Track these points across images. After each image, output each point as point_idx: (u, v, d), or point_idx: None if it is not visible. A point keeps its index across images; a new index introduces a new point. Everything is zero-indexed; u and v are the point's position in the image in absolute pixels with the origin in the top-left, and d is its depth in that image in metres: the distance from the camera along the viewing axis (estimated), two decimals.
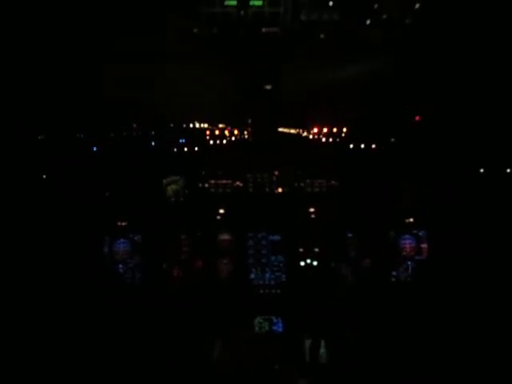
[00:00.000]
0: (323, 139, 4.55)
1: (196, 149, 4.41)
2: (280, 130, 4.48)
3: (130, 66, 3.58)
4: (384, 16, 2.44)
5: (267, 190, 3.69)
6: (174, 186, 3.64)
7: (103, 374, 3.01)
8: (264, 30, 2.59)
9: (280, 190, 3.70)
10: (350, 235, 3.49)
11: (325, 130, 4.58)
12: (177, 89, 3.88)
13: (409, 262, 3.49)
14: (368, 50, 3.29)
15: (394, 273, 3.48)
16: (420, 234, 3.51)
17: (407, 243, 3.50)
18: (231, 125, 4.69)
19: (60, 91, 3.60)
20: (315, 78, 3.71)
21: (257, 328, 3.34)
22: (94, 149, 3.98)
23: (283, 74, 3.45)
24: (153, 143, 4.32)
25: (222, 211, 3.57)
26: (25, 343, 2.92)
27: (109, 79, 3.71)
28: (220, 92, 3.99)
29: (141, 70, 3.65)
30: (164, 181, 3.63)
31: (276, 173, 3.70)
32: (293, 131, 4.93)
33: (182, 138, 4.49)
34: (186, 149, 4.38)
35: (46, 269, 3.21)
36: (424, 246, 3.49)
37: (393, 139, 4.14)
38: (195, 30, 2.61)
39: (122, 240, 3.46)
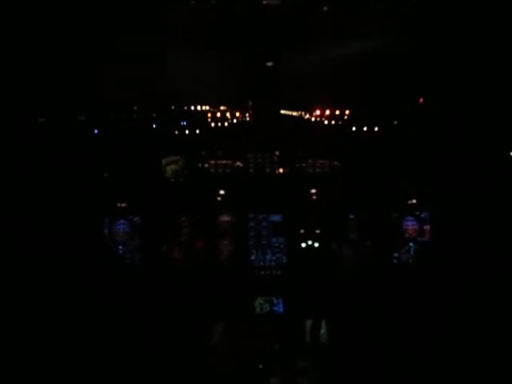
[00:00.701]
0: (325, 121, 4.48)
1: (197, 131, 4.36)
2: (282, 112, 4.42)
3: (130, 49, 3.51)
4: None
5: (268, 170, 3.64)
6: (173, 167, 3.59)
7: (101, 356, 3.02)
8: (265, 1, 2.49)
9: (281, 170, 3.65)
10: (351, 217, 3.45)
11: (327, 112, 4.51)
12: (177, 71, 3.81)
13: (411, 244, 3.45)
14: (372, 25, 3.19)
15: (396, 254, 3.45)
16: (423, 215, 3.46)
17: (410, 225, 3.46)
18: (232, 107, 4.62)
19: (61, 74, 3.54)
20: (317, 56, 3.62)
21: (258, 309, 3.34)
22: (95, 131, 3.93)
23: (284, 51, 3.35)
24: (154, 125, 4.27)
25: (222, 192, 3.52)
26: (24, 321, 2.92)
27: (109, 63, 3.65)
28: (221, 73, 3.91)
29: (141, 53, 3.58)
30: (163, 161, 3.58)
31: (277, 153, 3.64)
32: (295, 113, 4.86)
33: (183, 121, 4.44)
34: (187, 131, 4.33)
35: (45, 251, 3.19)
36: (427, 227, 3.45)
37: (395, 121, 4.07)
38: (193, 2, 2.51)
39: (121, 221, 3.43)
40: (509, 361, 2.73)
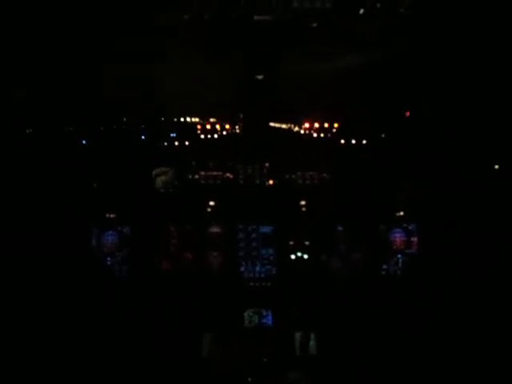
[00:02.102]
0: (314, 134, 4.53)
1: (187, 143, 4.37)
2: (272, 124, 4.46)
3: (119, 60, 3.53)
4: (378, 5, 2.41)
5: (258, 181, 3.66)
6: (163, 177, 3.59)
7: (91, 367, 2.97)
8: (256, 18, 2.55)
9: (271, 182, 3.67)
10: (340, 228, 3.48)
11: (316, 125, 4.56)
12: (167, 82, 3.84)
13: (399, 256, 3.48)
14: (361, 41, 3.27)
15: (385, 266, 3.48)
16: (410, 227, 3.51)
17: (397, 237, 3.50)
18: (222, 119, 4.65)
19: (50, 85, 3.54)
20: (307, 69, 3.69)
21: (246, 321, 3.32)
22: (83, 142, 3.91)
23: (275, 65, 3.41)
24: (143, 137, 4.26)
25: (212, 203, 3.53)
26: (11, 333, 2.86)
27: (99, 74, 3.66)
28: (211, 85, 3.95)
29: (131, 64, 3.60)
30: (153, 172, 3.57)
31: (267, 165, 3.67)
32: (284, 126, 4.90)
33: (172, 132, 4.44)
34: (176, 143, 4.33)
35: (33, 261, 3.14)
36: (414, 239, 3.50)
37: (383, 135, 4.13)
38: (186, 17, 2.55)
39: (110, 232, 3.40)
40: (500, 367, 2.75)
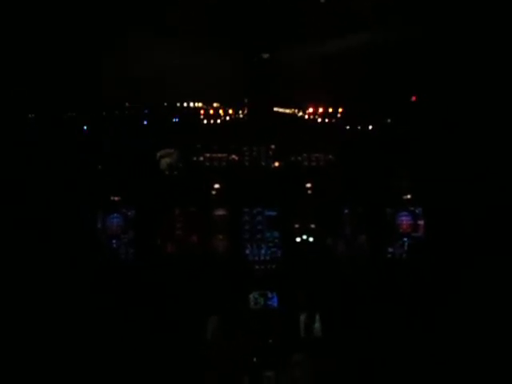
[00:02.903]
0: (319, 119, 4.48)
1: (191, 127, 4.34)
2: (276, 109, 4.42)
3: (122, 44, 3.48)
4: None
5: (263, 163, 3.63)
6: (167, 160, 3.56)
7: (95, 347, 3.00)
8: None
9: (276, 164, 3.64)
10: (346, 211, 3.46)
11: (320, 110, 4.51)
12: (171, 67, 3.80)
13: (405, 239, 3.46)
14: (367, 20, 3.20)
15: (390, 249, 3.46)
16: (417, 210, 3.48)
17: (404, 220, 3.47)
18: (227, 104, 4.61)
19: (51, 70, 3.50)
20: (312, 50, 3.63)
21: (252, 303, 3.33)
22: (85, 128, 3.90)
23: (280, 43, 3.35)
24: (145, 122, 4.24)
25: (217, 186, 3.51)
26: (16, 315, 2.89)
27: (102, 61, 3.62)
28: (215, 70, 3.90)
29: (134, 47, 3.55)
30: (158, 154, 3.55)
31: (272, 146, 3.63)
32: (288, 111, 4.85)
33: (175, 117, 4.41)
34: (180, 126, 4.31)
35: (38, 245, 3.15)
36: (421, 222, 3.47)
37: (389, 119, 4.08)
38: None
39: (115, 215, 3.39)
40: (503, 352, 2.75)
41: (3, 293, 2.92)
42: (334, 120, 4.36)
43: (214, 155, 3.62)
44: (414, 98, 3.99)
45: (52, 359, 2.88)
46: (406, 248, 3.46)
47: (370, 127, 4.06)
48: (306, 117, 4.64)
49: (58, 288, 3.13)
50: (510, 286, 2.96)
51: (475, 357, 2.83)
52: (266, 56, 3.33)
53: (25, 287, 3.01)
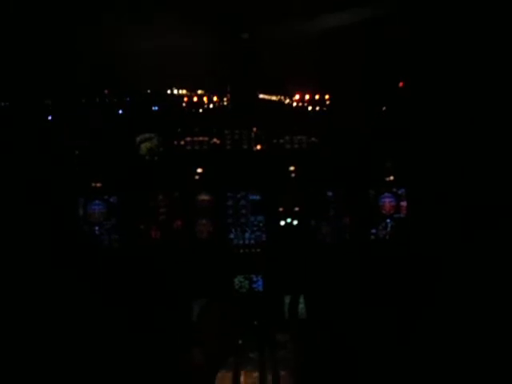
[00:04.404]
0: (305, 105, 4.44)
1: (172, 112, 4.27)
2: (261, 96, 4.36)
3: (100, 30, 3.39)
4: None
5: (245, 147, 3.59)
6: (148, 144, 3.50)
7: (81, 334, 3.00)
8: None
9: (258, 147, 3.61)
10: (329, 194, 3.46)
11: (307, 96, 4.47)
12: (149, 54, 3.72)
13: (388, 220, 3.50)
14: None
15: (374, 231, 3.49)
16: (399, 192, 3.50)
17: (387, 201, 3.50)
18: (210, 91, 4.53)
19: (29, 57, 3.40)
20: (294, 33, 3.57)
21: (237, 286, 3.35)
22: (65, 113, 3.81)
23: (260, 23, 3.29)
24: (121, 111, 4.13)
25: (199, 170, 3.47)
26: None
27: (81, 46, 3.52)
28: (197, 54, 3.83)
29: (114, 35, 3.46)
30: (137, 138, 3.48)
31: (254, 129, 3.59)
32: (274, 98, 4.80)
33: (156, 105, 4.32)
34: (161, 112, 4.23)
35: (19, 233, 3.10)
36: (403, 203, 3.50)
37: (372, 101, 4.05)
38: None
39: (96, 201, 3.35)
40: (491, 336, 2.80)
41: None
42: (319, 107, 4.33)
43: (196, 139, 3.56)
44: (401, 84, 3.97)
45: (38, 348, 2.87)
46: (389, 229, 3.50)
47: (354, 111, 4.04)
48: (291, 103, 4.60)
49: (41, 277, 3.10)
50: (493, 265, 3.01)
51: (459, 334, 2.89)
52: (245, 36, 3.26)
53: (5, 278, 2.97)
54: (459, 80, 3.33)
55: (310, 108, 4.37)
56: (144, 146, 3.49)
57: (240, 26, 3.30)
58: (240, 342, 2.86)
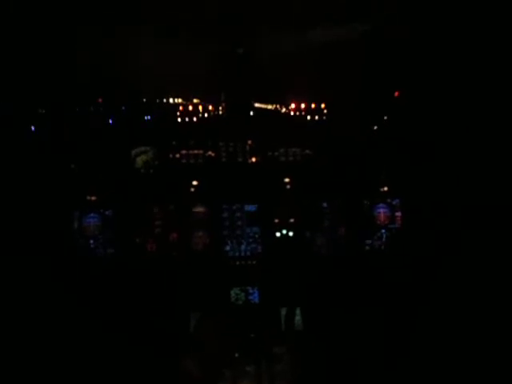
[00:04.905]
0: (298, 113, 4.47)
1: (167, 123, 4.28)
2: (256, 105, 4.39)
3: (95, 41, 3.41)
4: None
5: (240, 159, 3.61)
6: (143, 157, 3.51)
7: (74, 349, 2.97)
8: None
9: (253, 159, 3.63)
10: (324, 205, 3.48)
11: (302, 105, 4.50)
12: (145, 63, 3.74)
13: (383, 231, 3.51)
14: (350, 10, 3.19)
15: (369, 241, 3.51)
16: (394, 202, 3.53)
17: (381, 212, 3.52)
18: (205, 100, 4.55)
19: (21, 65, 3.40)
20: (291, 44, 3.60)
21: (233, 299, 3.34)
22: (59, 123, 3.79)
23: (256, 37, 3.32)
24: (115, 121, 4.12)
25: (194, 183, 3.48)
26: None
27: (73, 55, 3.54)
28: (193, 64, 3.85)
29: (110, 43, 3.48)
30: (133, 152, 3.49)
31: (249, 142, 3.62)
32: (270, 107, 4.83)
33: (152, 114, 4.32)
34: (156, 123, 4.24)
35: (12, 247, 3.08)
36: (398, 214, 3.52)
37: (367, 112, 4.09)
38: None
39: (91, 214, 3.34)
40: (486, 340, 2.81)
41: None
42: (315, 116, 4.35)
43: (191, 152, 3.58)
44: (396, 94, 4.01)
45: (32, 359, 2.84)
46: (384, 240, 3.51)
47: (349, 122, 4.07)
48: (287, 112, 4.63)
49: (36, 290, 3.08)
50: (489, 275, 3.02)
51: (454, 345, 2.90)
52: (240, 51, 3.29)
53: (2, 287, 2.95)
54: (455, 91, 3.36)
55: (305, 118, 4.40)
56: (139, 159, 3.50)
57: (237, 38, 3.33)
58: (236, 355, 2.85)
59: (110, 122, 3.87)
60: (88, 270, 3.32)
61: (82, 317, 3.12)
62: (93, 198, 3.35)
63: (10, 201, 3.16)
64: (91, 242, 3.33)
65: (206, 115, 4.49)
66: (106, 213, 3.35)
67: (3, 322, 2.87)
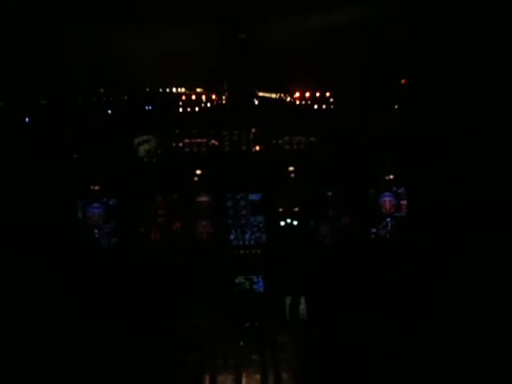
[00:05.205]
0: (305, 103, 4.41)
1: (170, 112, 4.25)
2: (260, 94, 4.34)
3: (95, 29, 3.37)
4: None
5: (244, 148, 3.58)
6: (146, 146, 3.48)
7: (78, 341, 2.99)
8: None
9: (257, 147, 3.60)
10: (329, 193, 3.45)
11: (307, 94, 4.44)
12: (146, 53, 3.70)
13: (388, 219, 3.48)
14: None
15: (374, 230, 3.48)
16: (399, 191, 3.49)
17: (387, 200, 3.49)
18: (208, 89, 4.51)
19: (22, 56, 3.37)
20: (294, 30, 3.54)
21: (237, 288, 3.34)
22: (62, 114, 3.77)
23: (258, 23, 3.26)
24: (118, 111, 4.08)
25: (198, 172, 3.46)
26: None
27: (75, 46, 3.50)
28: (195, 54, 3.81)
29: (110, 32, 3.44)
30: (135, 141, 3.47)
31: (253, 130, 3.58)
32: (274, 95, 4.77)
33: (152, 104, 4.28)
34: (159, 112, 4.21)
35: (18, 237, 3.10)
36: (403, 202, 3.49)
37: (372, 99, 4.03)
38: None
39: (95, 204, 3.34)
40: (487, 330, 2.80)
41: None
42: (319, 105, 4.30)
43: (194, 140, 3.55)
44: (403, 81, 3.95)
45: (35, 352, 2.87)
46: (389, 228, 3.48)
47: (354, 109, 4.02)
48: (291, 101, 4.58)
49: (40, 280, 3.09)
50: (493, 264, 3.00)
51: (459, 334, 2.89)
52: (242, 36, 3.23)
53: (4, 281, 2.96)
54: (460, 79, 3.30)
55: (309, 106, 4.35)
56: (142, 148, 3.48)
57: (239, 23, 3.28)
58: (241, 343, 2.86)
59: (109, 112, 3.84)
60: (92, 260, 3.33)
61: (85, 306, 3.14)
62: (96, 188, 3.34)
63: (14, 191, 3.17)
64: (95, 231, 3.33)
65: (208, 104, 4.44)
66: (110, 202, 3.34)
67: (8, 310, 2.90)
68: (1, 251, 3.02)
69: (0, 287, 2.95)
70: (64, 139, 3.49)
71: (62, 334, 3.00)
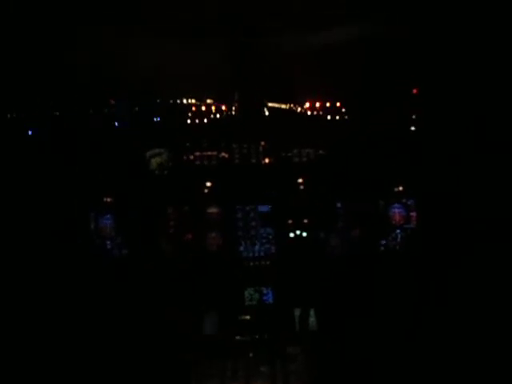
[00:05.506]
0: (315, 114, 4.45)
1: (180, 124, 4.31)
2: (270, 104, 4.39)
3: (106, 40, 3.44)
4: None
5: (254, 160, 3.62)
6: (158, 159, 3.55)
7: (87, 348, 3.02)
8: None
9: (267, 160, 3.64)
10: (338, 205, 3.46)
11: (317, 104, 4.48)
12: (157, 63, 3.77)
13: (398, 231, 3.47)
14: (362, 9, 3.16)
15: (384, 242, 3.47)
16: (409, 202, 3.48)
17: (396, 212, 3.48)
18: (218, 100, 4.57)
19: (34, 67, 3.46)
20: (304, 42, 3.59)
21: (247, 299, 3.35)
22: (75, 125, 3.86)
23: (269, 35, 3.32)
24: (116, 124, 4.15)
25: (208, 184, 3.51)
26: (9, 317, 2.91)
27: (88, 56, 3.58)
28: (206, 65, 3.87)
29: (123, 43, 3.51)
30: (147, 154, 3.54)
31: (262, 143, 3.62)
32: (283, 106, 4.82)
33: (163, 116, 4.35)
34: (169, 124, 4.27)
35: (31, 247, 3.16)
36: (413, 214, 3.48)
37: (382, 110, 4.05)
38: None
39: (107, 216, 3.39)
40: (499, 343, 2.77)
41: None
42: (329, 116, 4.33)
43: (204, 153, 3.60)
44: (415, 91, 3.96)
45: (43, 357, 2.91)
46: (399, 240, 3.47)
47: (361, 120, 4.04)
48: (301, 112, 4.62)
49: (53, 291, 3.14)
50: (504, 275, 2.97)
51: (470, 347, 2.86)
52: (251, 48, 3.30)
53: (17, 289, 3.02)
54: (470, 91, 3.31)
55: (318, 117, 4.39)
56: (154, 161, 3.54)
57: (251, 35, 3.34)
58: (250, 355, 2.86)
59: (121, 123, 3.92)
60: (104, 271, 3.37)
61: (97, 316, 3.18)
62: (108, 200, 3.40)
63: (27, 202, 3.24)
64: (107, 242, 3.39)
65: (218, 116, 4.51)
66: (122, 214, 3.39)
67: (19, 321, 2.95)
68: (15, 261, 3.08)
69: (15, 296, 3.00)
70: (77, 151, 3.56)
71: (71, 344, 3.03)
